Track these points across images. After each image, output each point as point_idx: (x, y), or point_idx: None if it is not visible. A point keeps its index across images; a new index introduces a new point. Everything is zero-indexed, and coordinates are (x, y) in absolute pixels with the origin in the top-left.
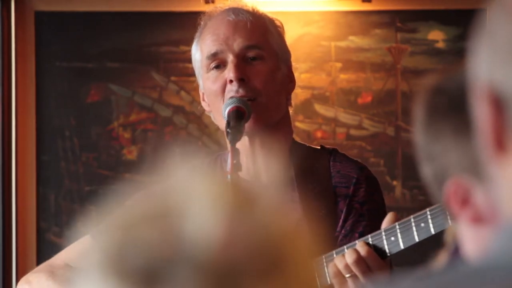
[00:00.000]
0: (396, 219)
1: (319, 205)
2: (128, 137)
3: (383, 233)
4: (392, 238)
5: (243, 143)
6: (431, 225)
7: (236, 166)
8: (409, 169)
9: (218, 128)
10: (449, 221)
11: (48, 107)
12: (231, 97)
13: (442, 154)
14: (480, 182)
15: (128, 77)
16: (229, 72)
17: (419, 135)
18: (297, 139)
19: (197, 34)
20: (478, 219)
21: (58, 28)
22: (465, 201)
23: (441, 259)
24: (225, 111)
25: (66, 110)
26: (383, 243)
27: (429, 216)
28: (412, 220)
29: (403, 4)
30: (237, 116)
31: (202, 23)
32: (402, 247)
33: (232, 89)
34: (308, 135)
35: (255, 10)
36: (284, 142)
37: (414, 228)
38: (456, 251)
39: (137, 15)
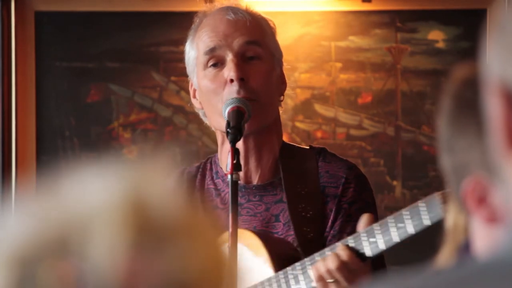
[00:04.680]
0: (372, 220)
1: (306, 206)
2: (128, 137)
3: (361, 235)
4: (372, 240)
5: (236, 144)
6: (409, 226)
7: (236, 166)
8: (409, 169)
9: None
10: (427, 221)
11: (48, 107)
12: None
13: (464, 149)
14: (499, 182)
15: (128, 77)
16: (230, 72)
17: (444, 126)
18: (297, 139)
19: (191, 32)
20: (493, 219)
21: (58, 28)
22: (482, 200)
23: (443, 256)
24: (225, 111)
25: (66, 110)
26: (362, 246)
27: (406, 217)
28: (391, 220)
29: (403, 4)
30: (238, 116)
31: (197, 21)
32: (382, 248)
33: (232, 90)
34: (308, 135)
35: (251, 10)
36: (276, 143)
37: (393, 229)
38: (466, 249)
39: (137, 15)
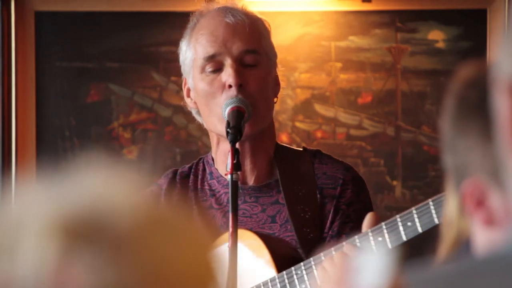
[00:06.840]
0: (377, 219)
1: (304, 207)
2: (128, 137)
3: (369, 234)
4: (380, 239)
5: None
6: (418, 224)
7: (236, 166)
8: (409, 169)
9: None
10: (436, 220)
11: (48, 107)
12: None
13: (465, 151)
14: (498, 186)
15: (128, 77)
16: (229, 77)
17: (446, 125)
18: (297, 139)
19: (188, 32)
20: (491, 222)
21: (58, 28)
22: (480, 202)
23: (442, 253)
24: (225, 111)
25: (66, 110)
26: (370, 244)
27: (415, 215)
28: (399, 219)
29: (403, 4)
30: (238, 116)
31: (194, 20)
32: (390, 247)
33: (231, 95)
34: (308, 135)
35: (248, 11)
36: (270, 145)
37: (401, 228)
38: (466, 249)
39: (137, 15)
